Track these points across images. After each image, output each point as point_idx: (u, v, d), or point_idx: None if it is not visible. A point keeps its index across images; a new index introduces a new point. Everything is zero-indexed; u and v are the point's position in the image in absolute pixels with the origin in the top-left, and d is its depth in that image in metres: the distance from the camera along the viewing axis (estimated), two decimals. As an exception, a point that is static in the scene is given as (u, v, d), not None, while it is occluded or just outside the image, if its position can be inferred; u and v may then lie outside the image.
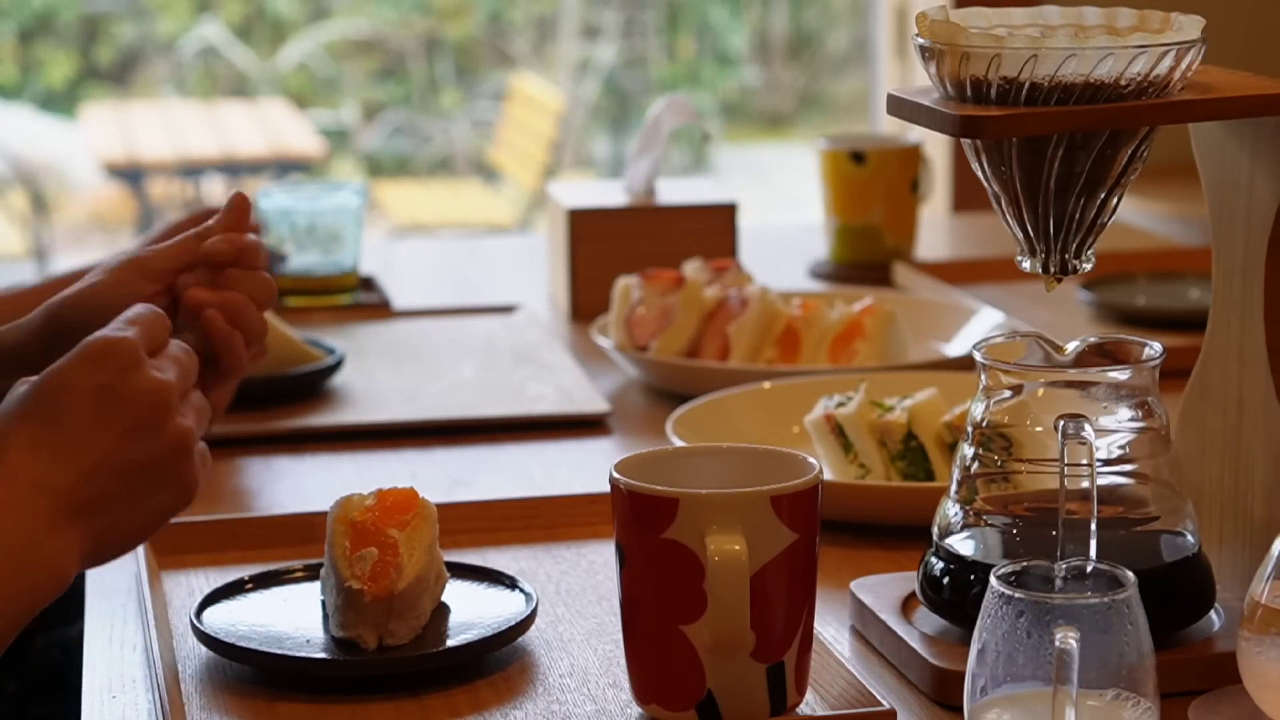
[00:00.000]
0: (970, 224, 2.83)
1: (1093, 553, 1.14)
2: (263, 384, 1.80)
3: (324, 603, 1.29)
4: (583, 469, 1.68)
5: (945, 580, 1.25)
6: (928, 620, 1.28)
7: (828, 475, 1.55)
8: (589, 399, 1.83)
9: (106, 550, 1.14)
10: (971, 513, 1.26)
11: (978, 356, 1.25)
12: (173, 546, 1.46)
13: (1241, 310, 1.28)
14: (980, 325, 1.99)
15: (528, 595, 1.33)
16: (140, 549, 1.41)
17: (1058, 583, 1.08)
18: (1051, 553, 1.14)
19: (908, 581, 1.33)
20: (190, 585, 1.41)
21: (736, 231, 2.23)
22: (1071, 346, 1.25)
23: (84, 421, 1.11)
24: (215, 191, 6.40)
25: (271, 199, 2.18)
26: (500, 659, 1.28)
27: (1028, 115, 1.18)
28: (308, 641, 1.27)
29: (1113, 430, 1.23)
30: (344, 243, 2.18)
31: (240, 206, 1.37)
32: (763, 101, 8.41)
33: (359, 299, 2.22)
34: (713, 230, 2.22)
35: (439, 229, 6.41)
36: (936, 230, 2.73)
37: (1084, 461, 1.15)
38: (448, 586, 1.35)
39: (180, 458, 1.14)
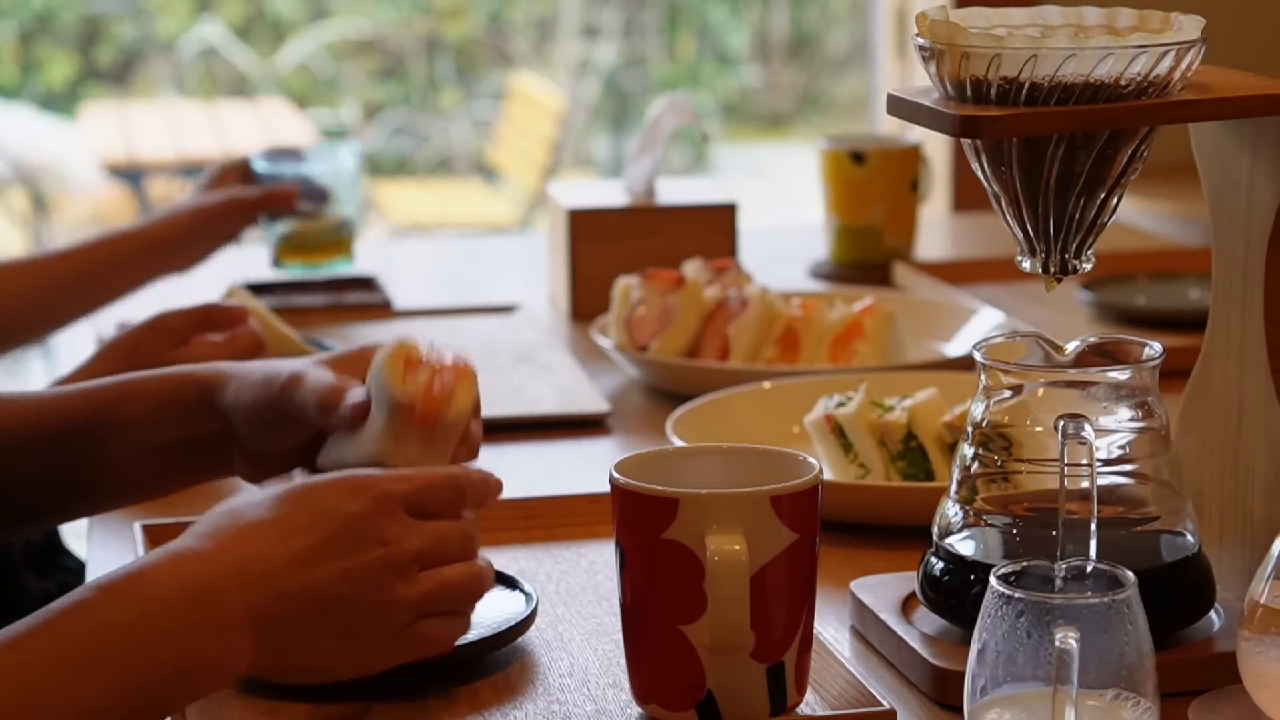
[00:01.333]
0: (970, 224, 2.83)
1: (1093, 553, 1.14)
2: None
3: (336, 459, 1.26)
4: (583, 469, 1.68)
5: (945, 580, 1.25)
6: (928, 620, 1.28)
7: (828, 475, 1.55)
8: (589, 399, 1.83)
9: (279, 669, 1.13)
10: (971, 513, 1.26)
11: (978, 356, 1.25)
12: (173, 546, 1.45)
13: (1241, 310, 1.28)
14: (980, 325, 1.99)
15: (528, 595, 1.33)
16: (140, 549, 1.41)
17: (1058, 583, 1.08)
18: (1051, 553, 1.14)
19: (908, 581, 1.33)
20: (190, 585, 1.41)
21: (736, 231, 2.23)
22: (1071, 346, 1.25)
23: (314, 539, 1.10)
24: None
25: (268, 162, 2.17)
26: (500, 659, 1.28)
27: (1028, 115, 1.18)
28: (308, 641, 1.27)
29: (1113, 430, 1.23)
30: (341, 203, 2.18)
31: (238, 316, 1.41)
32: (763, 101, 8.41)
33: (361, 298, 2.22)
34: (713, 230, 2.22)
35: (439, 229, 6.41)
36: (936, 230, 2.73)
37: (1084, 461, 1.15)
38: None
39: (383, 619, 1.12)
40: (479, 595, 1.16)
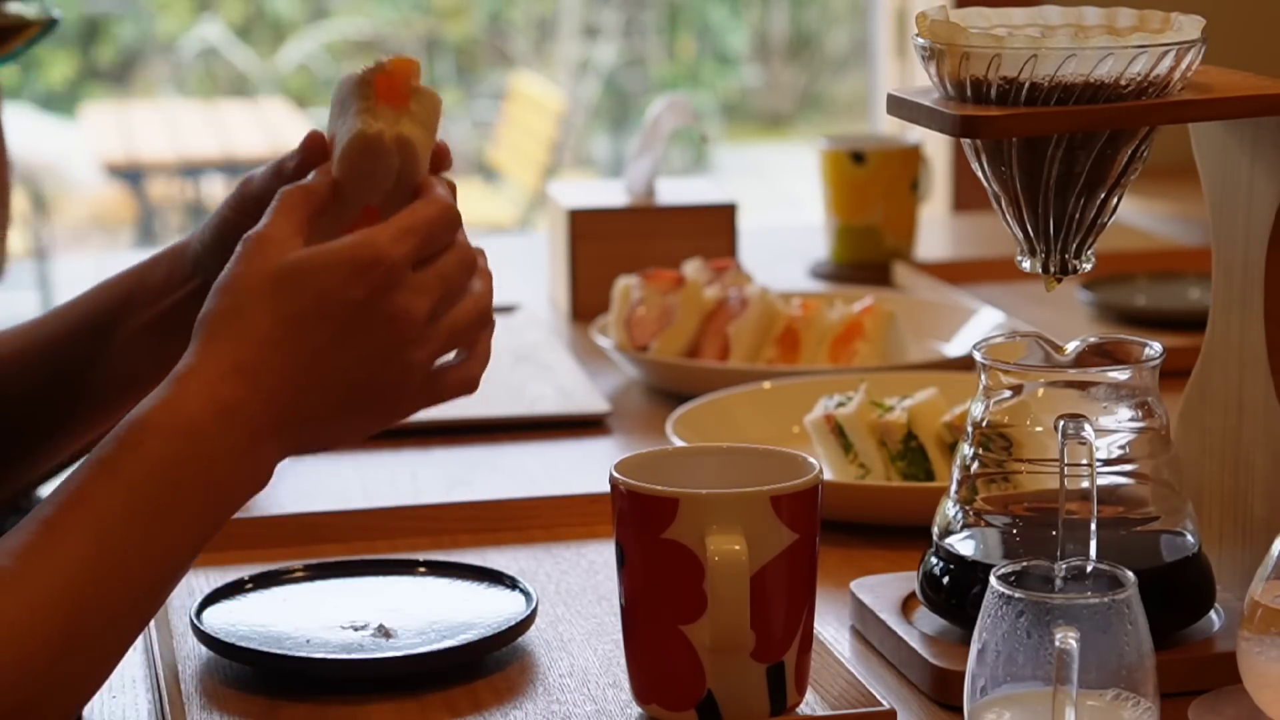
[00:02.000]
0: (970, 224, 2.83)
1: (1093, 553, 1.14)
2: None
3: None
4: (583, 469, 1.68)
5: (945, 580, 1.25)
6: (928, 620, 1.28)
7: (828, 475, 1.55)
8: (589, 399, 1.83)
9: (310, 452, 1.13)
10: (971, 513, 1.26)
11: (978, 356, 1.25)
12: (173, 546, 1.46)
13: (1241, 310, 1.28)
14: (980, 325, 1.99)
15: (528, 595, 1.33)
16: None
17: (1058, 583, 1.08)
18: (1051, 553, 1.14)
19: (908, 581, 1.33)
20: (190, 585, 1.41)
21: (736, 231, 2.23)
22: (1071, 346, 1.25)
23: (325, 336, 1.09)
24: (215, 192, 6.40)
25: None
26: (500, 659, 1.28)
27: (1028, 115, 1.18)
28: (308, 641, 1.27)
29: (1113, 430, 1.23)
30: None
31: (314, 143, 1.29)
32: (763, 101, 8.41)
33: None
34: (713, 230, 2.22)
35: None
36: (936, 230, 2.73)
37: (1084, 461, 1.15)
38: (448, 587, 1.35)
39: (402, 386, 1.11)
40: (489, 319, 1.15)
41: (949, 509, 1.27)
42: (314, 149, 1.18)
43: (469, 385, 1.16)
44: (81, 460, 1.07)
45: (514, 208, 6.90)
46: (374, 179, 1.14)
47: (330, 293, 1.09)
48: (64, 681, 1.04)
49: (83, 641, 1.04)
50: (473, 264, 1.14)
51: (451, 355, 1.15)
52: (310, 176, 1.15)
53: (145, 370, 1.30)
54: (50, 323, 1.33)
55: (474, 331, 1.15)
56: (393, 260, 1.10)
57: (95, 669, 1.06)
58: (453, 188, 1.16)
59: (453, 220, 1.13)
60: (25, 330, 1.34)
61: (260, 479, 1.10)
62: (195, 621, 1.28)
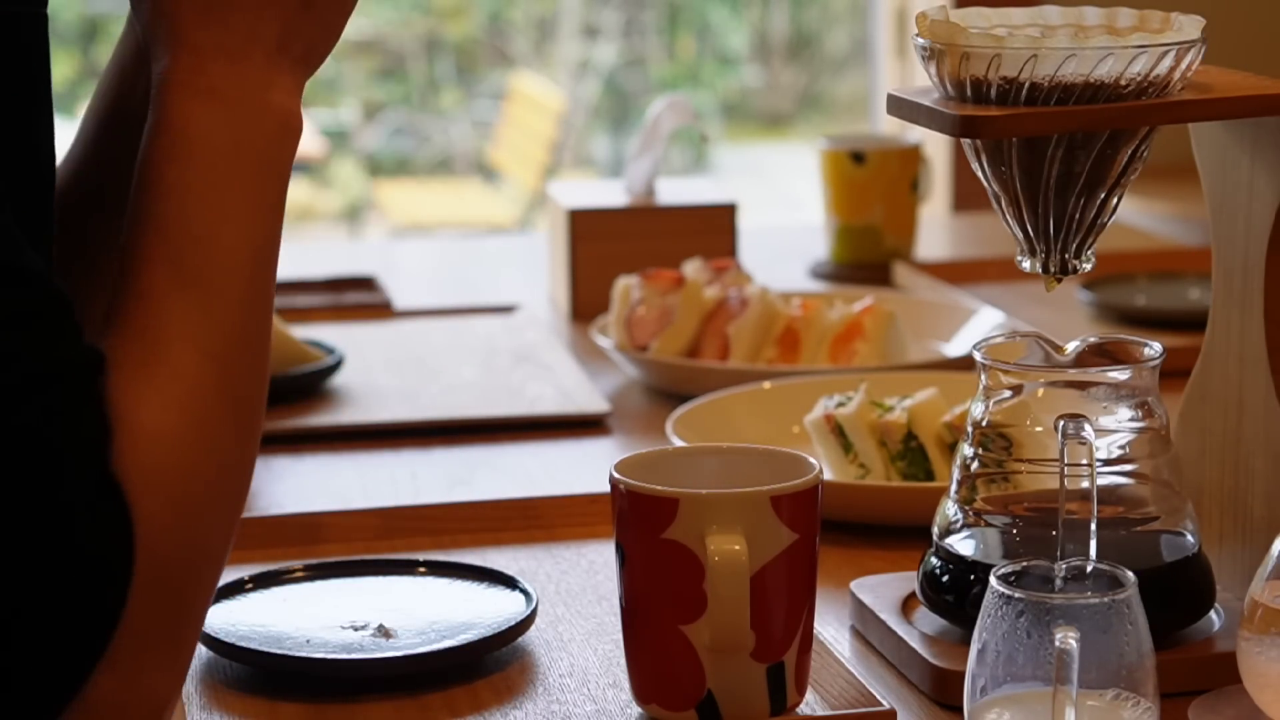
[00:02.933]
0: (970, 224, 2.83)
1: (1093, 553, 1.14)
2: (263, 384, 1.80)
3: None
4: (583, 469, 1.68)
5: (945, 580, 1.25)
6: (928, 620, 1.28)
7: (828, 475, 1.55)
8: (589, 399, 1.83)
9: (309, 67, 1.09)
10: (971, 513, 1.26)
11: (978, 356, 1.25)
12: (173, 546, 1.45)
13: (1241, 310, 1.28)
14: (980, 325, 1.99)
15: (528, 595, 1.33)
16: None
17: (1058, 583, 1.08)
18: (1051, 553, 1.14)
19: (908, 581, 1.33)
20: (190, 585, 1.41)
21: (736, 231, 2.23)
22: (1071, 346, 1.25)
23: None
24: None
25: None
26: (500, 659, 1.28)
27: (1028, 115, 1.18)
28: (308, 641, 1.27)
29: (1113, 430, 1.23)
30: None
31: None
32: (763, 101, 8.41)
33: (361, 299, 2.22)
34: (713, 230, 2.22)
35: (439, 229, 6.42)
36: (936, 230, 2.73)
37: (1084, 461, 1.15)
38: (448, 587, 1.35)
39: None
40: None
41: (949, 509, 1.27)
42: None
43: None
44: (125, 230, 1.04)
45: (514, 208, 6.90)
46: None
47: None
48: (245, 437, 1.02)
49: (239, 381, 1.01)
50: None
51: None
52: None
53: None
54: (85, 135, 1.29)
55: None
56: None
57: (257, 400, 1.03)
58: None
59: None
60: (70, 157, 1.30)
61: (289, 123, 1.06)
62: (195, 621, 1.28)
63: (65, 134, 1.19)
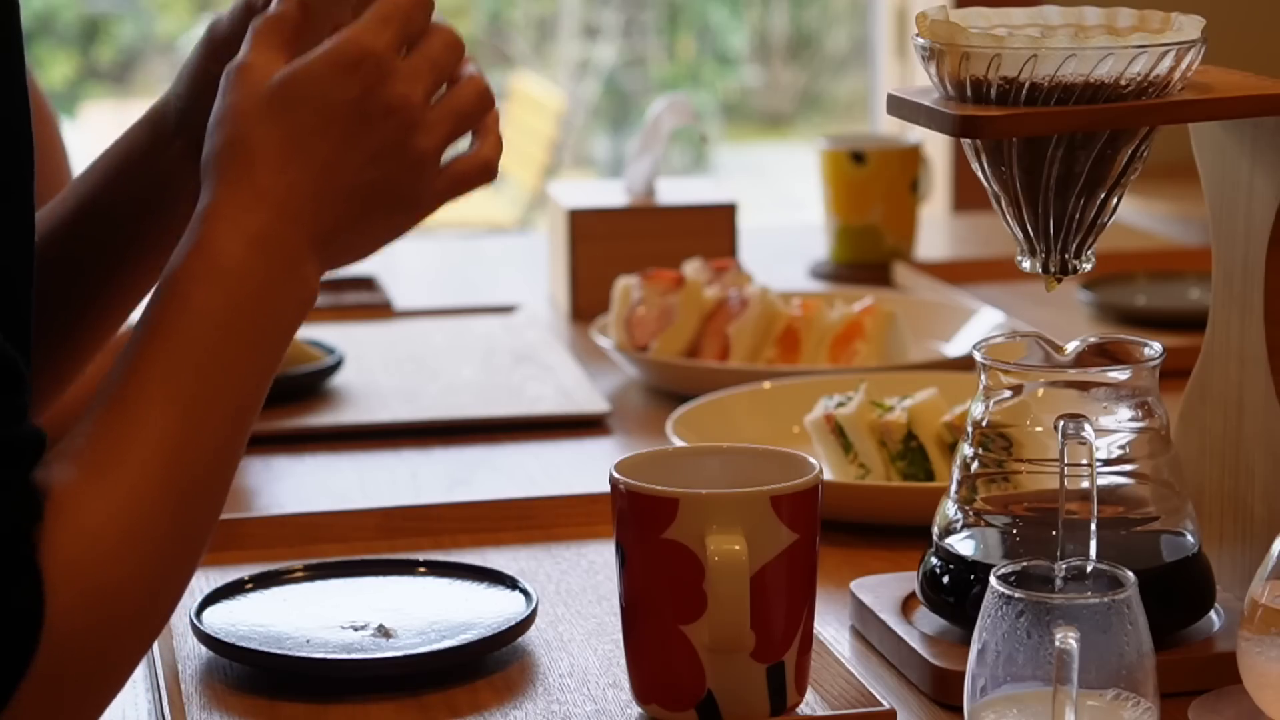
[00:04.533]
0: (970, 224, 2.83)
1: (1093, 553, 1.14)
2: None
3: None
4: (583, 469, 1.68)
5: (945, 580, 1.25)
6: (928, 620, 1.28)
7: (828, 475, 1.55)
8: (589, 399, 1.83)
9: (345, 263, 1.11)
10: (971, 513, 1.26)
11: (978, 356, 1.25)
12: (173, 546, 1.45)
13: (1241, 310, 1.28)
14: (980, 325, 1.99)
15: (528, 595, 1.33)
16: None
17: (1058, 583, 1.08)
18: (1051, 553, 1.14)
19: (908, 581, 1.33)
20: (190, 585, 1.41)
21: (736, 231, 2.23)
22: (1071, 346, 1.25)
23: (331, 142, 1.07)
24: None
25: None
26: (500, 659, 1.28)
27: (1028, 115, 1.18)
28: (308, 641, 1.27)
29: (1113, 430, 1.23)
30: None
31: None
32: (763, 101, 8.41)
33: (361, 299, 2.22)
34: (713, 230, 2.22)
35: (439, 229, 6.41)
36: (936, 230, 2.73)
37: (1084, 461, 1.15)
38: (448, 587, 1.35)
39: (419, 178, 1.09)
40: (490, 99, 1.13)
41: (949, 509, 1.27)
42: None
43: (487, 170, 1.13)
44: (134, 333, 1.05)
45: (514, 208, 6.90)
46: None
47: (326, 98, 1.07)
48: (182, 561, 1.02)
49: (190, 513, 1.02)
50: (459, 45, 1.12)
51: (465, 145, 1.14)
52: (274, 5, 1.12)
53: (153, 237, 1.27)
54: (52, 218, 1.30)
55: (478, 112, 1.12)
56: (378, 51, 1.08)
57: (203, 535, 1.04)
58: None
59: (424, 1, 1.11)
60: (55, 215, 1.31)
61: (306, 299, 1.08)
62: (195, 621, 1.28)
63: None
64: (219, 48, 1.21)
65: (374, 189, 1.08)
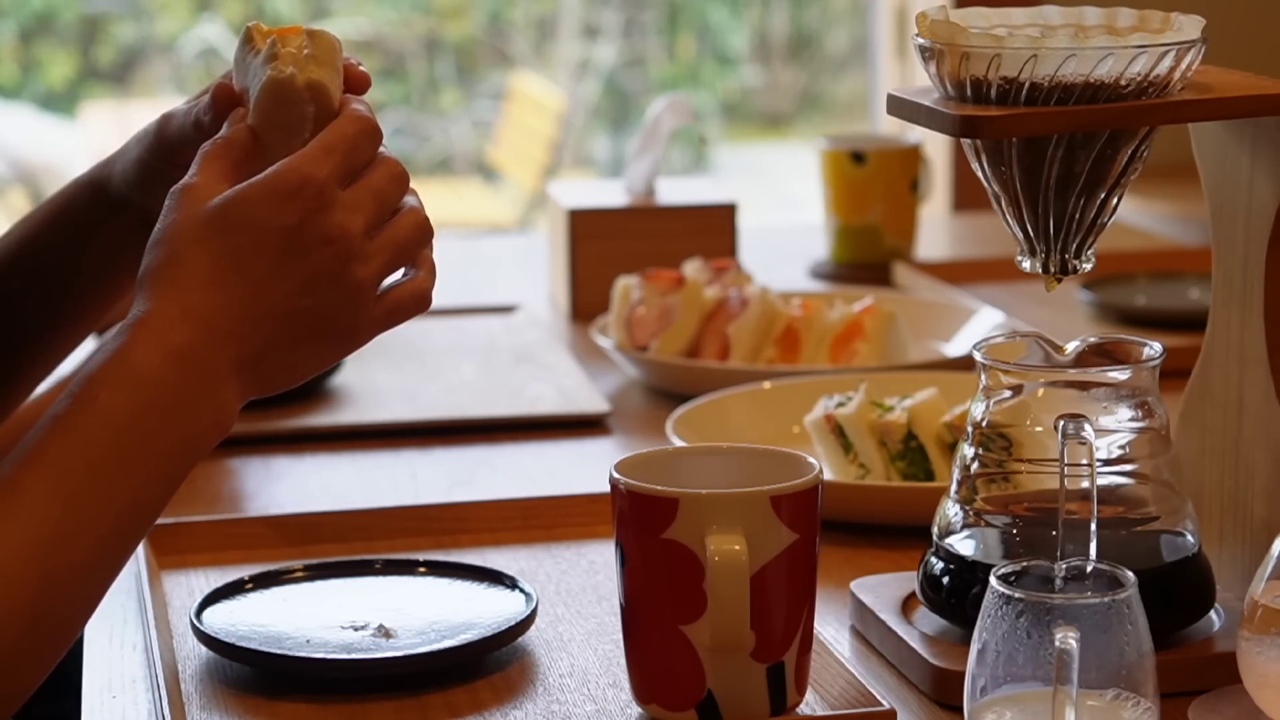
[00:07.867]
0: (970, 224, 2.83)
1: (1093, 553, 1.14)
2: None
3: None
4: (583, 469, 1.68)
5: (945, 580, 1.25)
6: (928, 620, 1.28)
7: (828, 475, 1.55)
8: (589, 399, 1.83)
9: (270, 390, 1.12)
10: (971, 513, 1.26)
11: (978, 356, 1.25)
12: (173, 546, 1.46)
13: (1241, 310, 1.28)
14: (980, 325, 1.99)
15: (528, 595, 1.33)
16: (140, 550, 1.41)
17: (1058, 583, 1.08)
18: (1051, 553, 1.14)
19: (908, 581, 1.33)
20: (190, 585, 1.41)
21: (736, 231, 2.23)
22: (1071, 346, 1.25)
23: (264, 266, 1.08)
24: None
25: None
26: (500, 659, 1.28)
27: (1028, 115, 1.18)
28: (308, 641, 1.27)
29: (1113, 430, 1.23)
30: None
31: (224, 93, 1.22)
32: (763, 101, 8.40)
33: None
34: (713, 230, 2.22)
35: (439, 229, 6.40)
36: (936, 230, 2.73)
37: (1084, 461, 1.15)
38: (448, 587, 1.35)
39: (354, 307, 1.10)
40: (429, 231, 1.14)
41: (949, 509, 1.27)
42: (224, 99, 1.17)
43: (421, 300, 1.14)
44: (38, 423, 1.06)
45: (514, 208, 6.90)
46: (290, 127, 1.13)
47: (263, 222, 1.08)
48: (38, 646, 1.03)
49: (54, 604, 1.03)
50: (403, 177, 1.13)
51: (400, 275, 1.14)
52: (226, 128, 1.14)
53: (88, 314, 1.30)
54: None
55: (416, 244, 1.14)
56: (319, 180, 1.09)
57: (68, 628, 1.05)
58: (369, 106, 1.14)
59: (372, 132, 1.12)
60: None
61: (222, 422, 1.09)
62: (195, 622, 1.28)
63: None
64: (167, 149, 1.23)
65: (306, 316, 1.09)
